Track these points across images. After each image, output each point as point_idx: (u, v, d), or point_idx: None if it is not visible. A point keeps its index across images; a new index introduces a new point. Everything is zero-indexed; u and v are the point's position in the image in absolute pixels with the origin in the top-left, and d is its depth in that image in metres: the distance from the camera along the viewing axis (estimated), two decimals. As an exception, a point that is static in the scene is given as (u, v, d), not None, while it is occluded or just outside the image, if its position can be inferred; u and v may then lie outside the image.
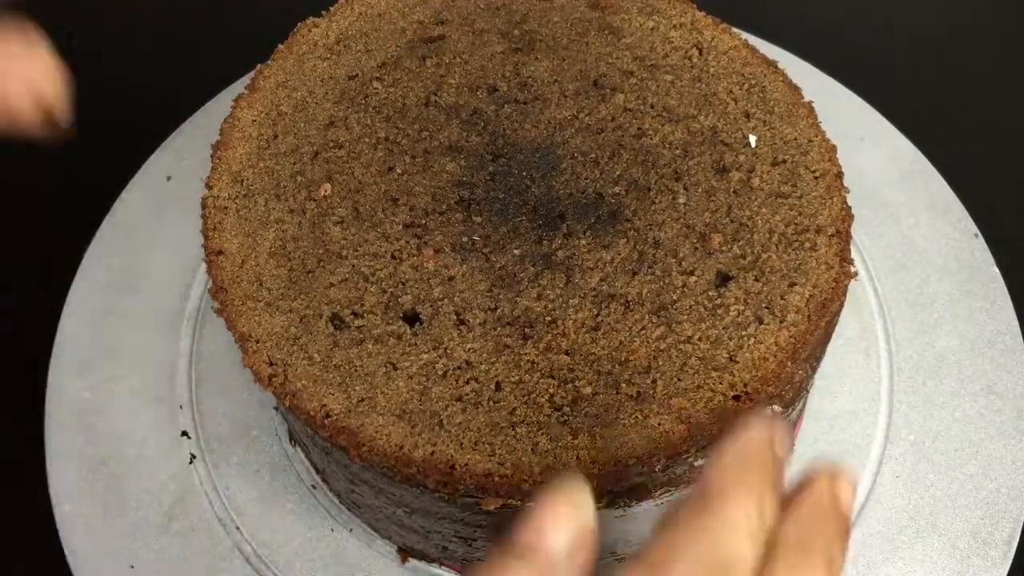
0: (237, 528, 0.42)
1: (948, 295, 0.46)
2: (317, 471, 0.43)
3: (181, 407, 0.45)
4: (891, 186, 0.50)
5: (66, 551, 0.41)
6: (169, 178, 0.51)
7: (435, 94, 0.40)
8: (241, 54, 0.46)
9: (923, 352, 0.45)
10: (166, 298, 0.48)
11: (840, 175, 0.37)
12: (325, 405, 0.34)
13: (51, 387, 0.45)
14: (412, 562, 0.41)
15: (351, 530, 0.42)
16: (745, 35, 0.48)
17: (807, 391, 0.37)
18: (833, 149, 0.38)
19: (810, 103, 0.39)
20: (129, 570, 0.41)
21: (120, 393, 0.45)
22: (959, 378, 0.44)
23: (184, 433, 0.44)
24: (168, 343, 0.46)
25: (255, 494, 0.43)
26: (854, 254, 0.48)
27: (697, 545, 0.24)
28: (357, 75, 0.41)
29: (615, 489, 0.33)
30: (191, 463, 0.44)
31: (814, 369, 0.35)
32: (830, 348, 0.45)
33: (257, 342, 0.35)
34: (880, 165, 0.50)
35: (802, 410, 0.42)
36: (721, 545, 0.24)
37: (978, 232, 0.48)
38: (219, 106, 0.53)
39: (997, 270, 0.47)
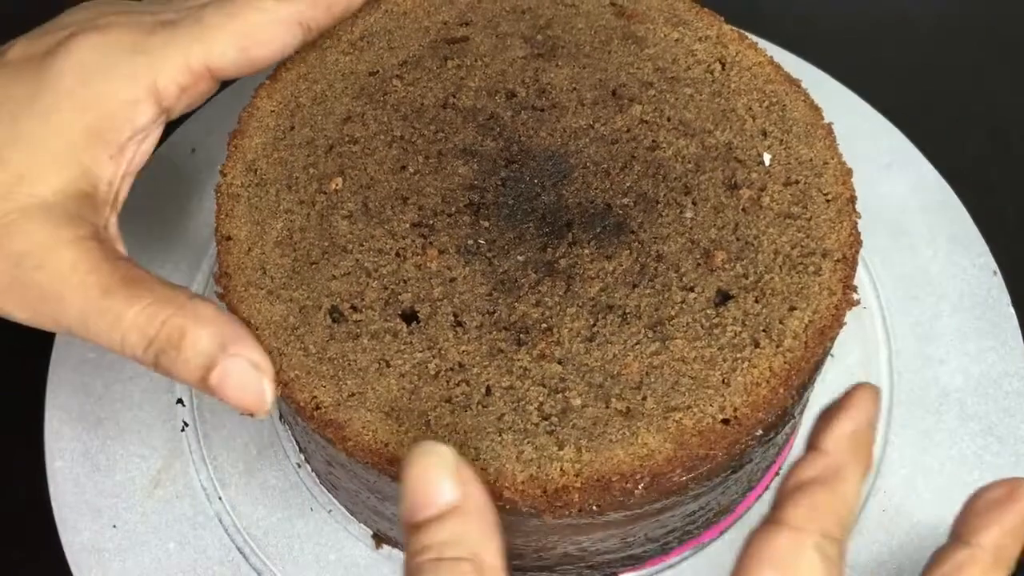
0: (220, 498, 0.43)
1: (958, 331, 0.45)
2: (300, 450, 0.43)
3: None
4: (912, 215, 0.49)
5: (53, 505, 0.43)
6: (193, 150, 0.52)
7: (454, 96, 0.40)
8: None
9: (925, 386, 0.44)
10: (178, 268, 0.49)
11: (853, 200, 0.37)
12: (316, 397, 0.34)
13: (57, 346, 0.46)
14: (386, 548, 0.42)
15: (330, 511, 0.43)
16: (778, 49, 0.47)
17: (793, 416, 0.37)
18: (848, 173, 0.38)
19: (829, 124, 0.39)
20: (111, 529, 0.42)
21: (122, 357, 0.46)
22: (959, 416, 0.43)
23: (180, 401, 0.45)
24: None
25: (241, 467, 0.44)
26: (866, 280, 0.47)
27: (830, 514, 0.28)
28: (378, 72, 0.41)
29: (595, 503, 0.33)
30: (183, 430, 0.44)
31: (801, 395, 0.35)
32: (829, 374, 0.45)
33: (256, 329, 0.35)
34: (903, 192, 0.50)
35: (792, 434, 0.42)
36: (849, 512, 0.28)
37: (997, 270, 0.47)
38: (252, 82, 0.54)
39: (1012, 310, 0.46)
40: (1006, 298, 0.46)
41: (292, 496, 0.43)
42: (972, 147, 0.56)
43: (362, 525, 0.42)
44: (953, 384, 0.44)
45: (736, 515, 0.42)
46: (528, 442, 0.33)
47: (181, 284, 0.47)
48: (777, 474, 0.43)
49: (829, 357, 0.45)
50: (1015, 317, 0.46)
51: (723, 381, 0.33)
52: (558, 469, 0.32)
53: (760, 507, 0.42)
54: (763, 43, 0.42)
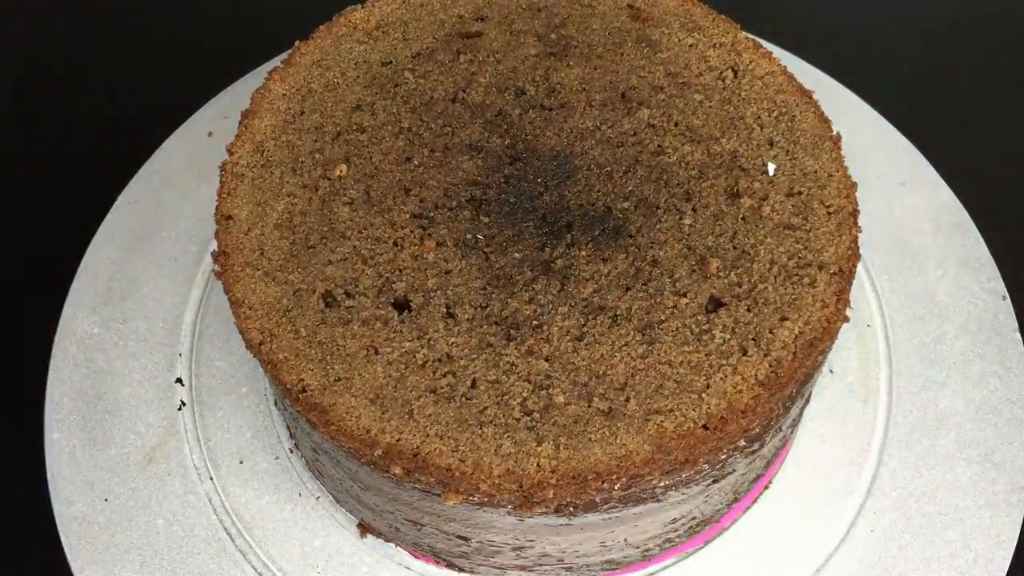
0: (211, 479, 0.43)
1: (962, 354, 0.44)
2: (291, 436, 0.44)
3: (180, 355, 0.46)
4: (924, 235, 0.48)
5: (48, 476, 0.43)
6: (210, 134, 0.52)
7: (463, 91, 0.40)
8: (301, 19, 0.46)
9: (924, 409, 0.43)
10: (186, 249, 0.49)
11: (855, 213, 0.36)
12: (303, 379, 0.34)
13: (64, 318, 0.47)
14: (370, 538, 0.42)
15: (318, 498, 0.43)
16: (813, 68, 0.46)
17: (782, 429, 0.37)
18: (852, 186, 0.37)
19: (837, 136, 0.39)
20: (103, 502, 0.43)
21: (127, 333, 0.47)
22: (957, 441, 0.42)
23: (179, 380, 0.46)
24: (180, 292, 0.48)
25: (234, 449, 0.44)
26: (872, 298, 0.47)
27: None
28: (391, 62, 0.42)
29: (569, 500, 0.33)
30: (179, 410, 0.45)
31: (788, 408, 0.35)
32: (828, 391, 0.44)
33: (249, 308, 0.36)
34: (917, 212, 0.49)
35: (783, 447, 0.41)
36: None
37: (1007, 294, 0.46)
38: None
39: (1019, 336, 0.45)
40: (1013, 323, 0.45)
41: (281, 481, 0.43)
42: (992, 171, 0.55)
43: (348, 514, 0.42)
44: (952, 408, 0.43)
45: (721, 526, 0.41)
46: (508, 436, 0.33)
47: (190, 264, 0.49)
48: (767, 487, 0.42)
49: (828, 373, 0.44)
50: (1021, 343, 0.45)
51: (706, 386, 0.33)
52: (535, 465, 0.32)
53: (747, 520, 0.42)
54: (790, 57, 0.42)
